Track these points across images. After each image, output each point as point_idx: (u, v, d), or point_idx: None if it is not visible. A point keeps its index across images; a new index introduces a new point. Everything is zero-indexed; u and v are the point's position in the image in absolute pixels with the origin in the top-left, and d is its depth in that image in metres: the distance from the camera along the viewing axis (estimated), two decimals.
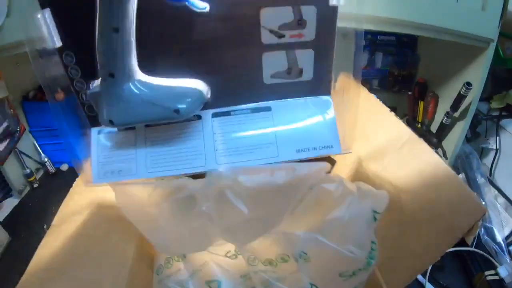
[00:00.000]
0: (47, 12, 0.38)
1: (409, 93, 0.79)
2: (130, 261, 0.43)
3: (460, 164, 0.69)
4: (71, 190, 0.47)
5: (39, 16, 0.38)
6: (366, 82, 0.79)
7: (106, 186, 0.43)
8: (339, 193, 0.36)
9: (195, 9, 0.37)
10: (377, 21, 0.53)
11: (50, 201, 0.68)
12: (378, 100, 0.51)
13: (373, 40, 0.78)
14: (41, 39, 0.39)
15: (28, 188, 0.76)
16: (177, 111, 0.39)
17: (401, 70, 0.81)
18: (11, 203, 0.72)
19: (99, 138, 0.44)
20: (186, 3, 0.37)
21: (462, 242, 0.58)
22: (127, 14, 0.36)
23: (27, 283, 0.39)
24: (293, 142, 0.43)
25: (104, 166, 0.44)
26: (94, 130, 0.45)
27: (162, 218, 0.39)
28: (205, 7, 0.37)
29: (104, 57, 0.38)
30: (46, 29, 0.38)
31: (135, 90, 0.39)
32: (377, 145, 0.46)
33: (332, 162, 0.52)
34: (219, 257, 0.47)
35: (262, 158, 0.43)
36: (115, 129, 0.44)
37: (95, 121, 0.43)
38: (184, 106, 0.40)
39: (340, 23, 0.40)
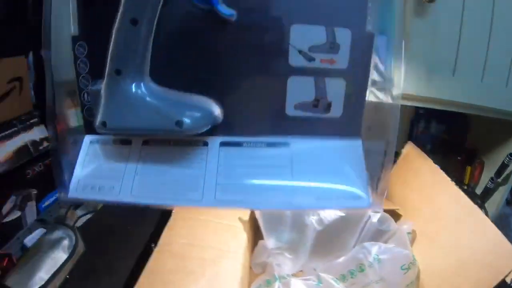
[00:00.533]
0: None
1: (458, 158, 0.91)
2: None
3: (500, 224, 0.73)
4: (174, 214, 0.67)
5: None
6: (420, 146, 0.86)
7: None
8: None
9: (222, 15, 0.34)
10: (429, 101, 0.68)
11: (125, 216, 0.80)
12: (439, 168, 0.68)
13: (428, 109, 0.85)
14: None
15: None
16: (179, 123, 0.34)
17: (452, 137, 0.94)
18: (86, 216, 0.88)
19: (90, 147, 0.39)
20: (215, 6, 0.34)
21: None
22: (149, 7, 0.34)
23: None
24: (313, 188, 0.35)
25: (85, 179, 0.38)
26: (87, 137, 0.40)
27: None
28: (232, 14, 0.34)
29: (115, 51, 0.35)
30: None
31: (139, 92, 0.35)
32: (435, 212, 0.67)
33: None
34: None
35: (272, 203, 0.36)
36: (110, 141, 0.39)
37: (91, 128, 0.38)
38: (188, 120, 0.34)
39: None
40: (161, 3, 0.34)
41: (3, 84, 0.88)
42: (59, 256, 0.80)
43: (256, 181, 0.36)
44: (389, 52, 0.64)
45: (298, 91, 0.36)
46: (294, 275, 0.69)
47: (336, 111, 0.36)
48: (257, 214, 0.68)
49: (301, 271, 0.72)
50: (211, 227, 0.67)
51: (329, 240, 0.69)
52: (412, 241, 0.71)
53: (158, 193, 0.36)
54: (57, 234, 0.85)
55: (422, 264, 0.68)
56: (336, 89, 0.35)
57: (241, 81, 0.36)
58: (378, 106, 0.37)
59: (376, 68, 0.66)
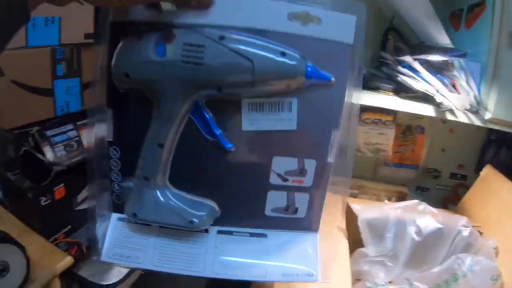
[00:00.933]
0: (110, 111, 0.48)
1: None
2: None
3: None
4: None
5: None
6: None
7: None
8: None
9: (223, 146, 0.47)
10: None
11: None
12: None
13: (499, 135, 1.07)
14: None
15: None
16: (191, 222, 0.48)
17: None
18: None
19: (117, 224, 0.52)
20: (219, 140, 0.47)
21: None
22: (173, 136, 0.47)
23: None
24: (280, 267, 0.50)
25: (114, 248, 0.50)
26: (114, 215, 0.52)
27: None
28: (231, 146, 0.47)
29: (144, 163, 0.48)
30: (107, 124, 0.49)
31: (162, 195, 0.48)
32: None
33: None
34: None
35: (252, 276, 0.50)
36: (128, 220, 0.52)
37: (117, 208, 0.52)
38: (197, 220, 0.48)
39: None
40: (179, 133, 0.47)
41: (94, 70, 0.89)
42: None
43: (242, 260, 0.50)
44: (482, 78, 0.87)
45: (274, 200, 0.50)
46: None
47: (301, 214, 0.51)
48: (360, 222, 0.74)
49: (391, 282, 0.77)
50: None
51: (424, 251, 0.75)
52: (495, 256, 0.78)
53: (172, 264, 0.50)
54: None
55: (506, 276, 0.73)
56: (301, 200, 0.50)
57: (235, 190, 0.50)
58: None
59: (470, 92, 0.85)
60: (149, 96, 0.46)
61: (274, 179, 0.49)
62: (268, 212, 0.51)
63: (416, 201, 0.81)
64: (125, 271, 0.75)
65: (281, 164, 0.48)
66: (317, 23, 0.43)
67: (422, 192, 1.18)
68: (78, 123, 0.83)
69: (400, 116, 1.06)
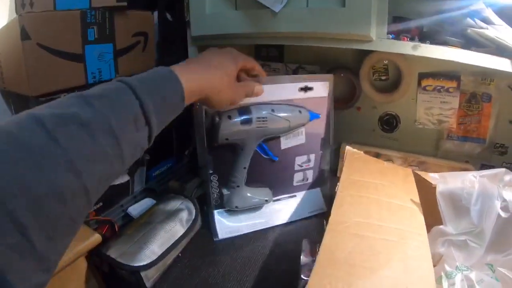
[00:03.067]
0: (210, 156, 0.87)
1: None
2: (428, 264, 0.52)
3: None
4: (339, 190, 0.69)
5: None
6: None
7: None
8: None
9: (273, 159, 0.92)
10: None
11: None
12: None
13: None
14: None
15: None
16: (266, 200, 0.93)
17: None
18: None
19: (218, 216, 0.93)
20: (271, 156, 0.92)
21: None
22: (249, 161, 0.89)
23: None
24: (306, 209, 0.99)
25: (222, 229, 0.91)
26: (215, 212, 0.93)
27: None
28: (277, 158, 0.93)
29: (235, 179, 0.89)
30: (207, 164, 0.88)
31: (248, 193, 0.92)
32: None
33: None
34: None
35: (294, 217, 0.97)
36: (224, 211, 0.94)
37: (217, 207, 0.92)
38: (268, 198, 0.94)
39: None
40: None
41: (128, 37, 0.83)
42: (176, 229, 0.79)
43: (288, 210, 0.98)
44: None
45: (297, 177, 0.99)
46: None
47: (310, 180, 1.01)
48: (440, 193, 0.65)
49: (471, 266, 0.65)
50: (384, 206, 0.66)
51: (510, 230, 0.62)
52: None
53: (256, 225, 0.95)
54: (174, 204, 0.86)
55: None
56: (309, 173, 0.99)
57: (279, 179, 0.96)
58: None
59: None
60: (237, 145, 0.86)
61: (296, 167, 0.97)
62: (295, 183, 1.00)
63: (502, 169, 0.71)
64: (158, 253, 0.72)
65: (299, 159, 0.96)
66: (311, 90, 0.90)
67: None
68: None
69: (465, 83, 0.99)
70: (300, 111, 0.88)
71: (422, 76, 1.03)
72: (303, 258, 0.80)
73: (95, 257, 0.72)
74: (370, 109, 1.13)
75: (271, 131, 0.87)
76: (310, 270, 0.64)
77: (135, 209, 0.87)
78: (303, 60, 1.11)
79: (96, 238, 0.68)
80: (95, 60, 0.78)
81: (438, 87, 1.02)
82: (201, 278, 0.77)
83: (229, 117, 0.82)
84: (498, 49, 0.78)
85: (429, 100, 1.04)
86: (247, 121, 0.83)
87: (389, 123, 1.12)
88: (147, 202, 0.90)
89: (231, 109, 0.83)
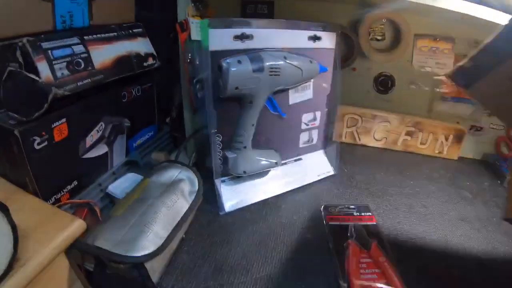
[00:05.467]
0: (215, 112, 0.73)
1: None
2: None
3: None
4: None
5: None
6: None
7: None
8: None
9: (281, 115, 0.82)
10: None
11: None
12: None
13: None
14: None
15: None
16: (276, 163, 0.83)
17: None
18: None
19: (222, 185, 0.80)
20: (280, 113, 0.82)
21: None
22: (258, 117, 0.77)
23: None
24: (314, 172, 0.91)
25: (229, 201, 0.79)
26: (217, 180, 0.79)
27: None
28: (285, 114, 0.83)
29: (243, 138, 0.77)
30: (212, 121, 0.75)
31: (256, 155, 0.81)
32: None
33: None
34: None
35: (302, 182, 0.88)
36: (229, 179, 0.82)
37: (219, 175, 0.80)
38: (277, 161, 0.83)
39: None
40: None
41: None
42: (179, 204, 0.65)
43: (296, 174, 0.89)
44: None
45: (303, 138, 0.90)
46: None
47: (315, 141, 0.92)
48: None
49: None
50: None
51: None
52: None
53: (265, 191, 0.83)
54: (171, 174, 0.71)
55: None
56: (315, 134, 0.91)
57: (286, 139, 0.87)
58: None
59: None
60: (245, 97, 0.74)
61: (303, 126, 0.88)
62: (301, 145, 0.91)
63: None
64: (163, 235, 0.58)
65: (306, 117, 0.88)
66: (319, 40, 0.82)
67: (476, 131, 1.10)
68: (86, 37, 0.65)
69: (459, 46, 1.00)
70: (311, 61, 0.79)
71: (418, 37, 1.03)
72: (327, 223, 0.76)
73: (74, 252, 0.54)
74: (365, 70, 1.10)
75: (284, 81, 0.77)
76: (339, 234, 0.71)
77: (116, 187, 0.74)
78: (296, 19, 1.04)
79: (79, 225, 0.53)
80: (65, 0, 0.64)
81: (434, 48, 1.02)
82: (217, 262, 0.66)
83: (239, 62, 0.71)
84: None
85: (424, 61, 1.04)
86: (259, 69, 0.72)
87: (384, 84, 1.10)
88: (130, 179, 0.77)
89: (236, 54, 0.72)
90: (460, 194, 0.94)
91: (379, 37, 1.05)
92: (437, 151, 1.10)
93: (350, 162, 1.02)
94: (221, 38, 0.70)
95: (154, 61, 0.81)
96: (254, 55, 0.73)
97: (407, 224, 0.80)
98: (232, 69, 0.69)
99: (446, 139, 1.08)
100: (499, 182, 1.01)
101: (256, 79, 0.72)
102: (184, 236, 0.67)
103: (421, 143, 1.10)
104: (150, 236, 0.56)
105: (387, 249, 0.70)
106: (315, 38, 0.81)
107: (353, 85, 1.09)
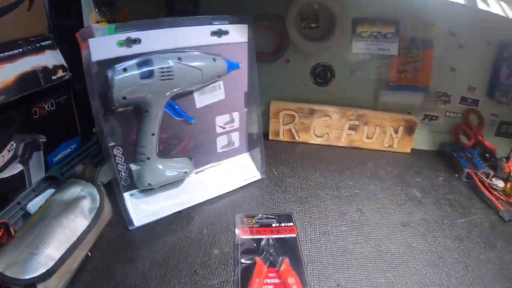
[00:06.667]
0: (108, 125, 0.68)
1: None
2: None
3: None
4: None
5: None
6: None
7: None
8: None
9: (188, 121, 0.76)
10: None
11: None
12: None
13: None
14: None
15: None
16: (185, 173, 0.77)
17: None
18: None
19: (130, 198, 0.76)
20: (185, 118, 0.75)
21: None
22: (158, 125, 0.72)
23: None
24: (236, 178, 0.85)
25: (138, 214, 0.74)
26: (126, 194, 0.75)
27: None
28: (192, 119, 0.77)
29: (144, 149, 0.72)
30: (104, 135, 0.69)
31: (162, 166, 0.75)
32: None
33: None
34: None
35: (223, 190, 0.82)
36: (138, 192, 0.77)
37: (127, 188, 0.75)
38: (188, 170, 0.78)
39: None
40: (160, 122, 0.73)
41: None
42: (77, 223, 0.64)
43: (215, 182, 0.83)
44: None
45: (221, 142, 0.84)
46: None
47: (236, 144, 0.86)
48: None
49: None
50: None
51: None
52: None
53: (178, 204, 0.77)
54: (73, 192, 0.69)
55: None
56: (235, 136, 0.85)
57: (198, 145, 0.81)
58: None
59: None
60: (139, 106, 0.69)
61: (218, 130, 0.82)
62: (219, 149, 0.85)
63: None
64: (55, 257, 0.57)
65: (220, 120, 0.81)
66: (226, 34, 0.74)
67: (430, 121, 1.04)
68: None
69: (404, 28, 0.93)
70: (214, 59, 0.73)
71: (356, 22, 0.96)
72: (239, 237, 0.70)
73: None
74: (301, 61, 1.01)
75: (179, 85, 0.70)
76: (247, 251, 0.66)
77: (35, 205, 0.72)
78: (222, 13, 0.97)
79: None
80: None
81: (375, 33, 0.95)
82: (116, 280, 0.62)
83: (125, 70, 0.65)
84: None
85: (365, 47, 0.96)
86: (148, 74, 0.66)
87: (323, 75, 1.02)
88: (48, 195, 0.73)
89: (126, 61, 0.66)
90: (407, 194, 0.86)
91: (313, 25, 0.97)
92: (386, 145, 1.03)
93: (284, 163, 0.95)
94: (104, 47, 0.64)
95: (65, 73, 0.77)
96: (143, 59, 0.67)
97: (334, 234, 0.73)
98: (117, 77, 0.64)
99: (396, 131, 1.01)
100: (456, 175, 0.94)
101: (146, 86, 0.66)
102: (89, 253, 0.65)
103: (368, 137, 1.03)
104: (41, 258, 0.56)
105: (302, 268, 0.64)
106: (221, 33, 0.74)
107: (288, 79, 1.03)
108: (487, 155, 0.96)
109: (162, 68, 0.67)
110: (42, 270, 0.55)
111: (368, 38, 0.95)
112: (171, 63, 0.68)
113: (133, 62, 0.66)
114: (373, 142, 1.02)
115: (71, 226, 0.62)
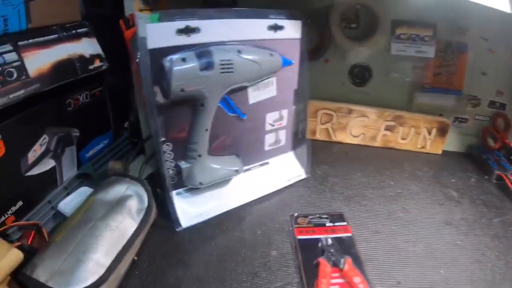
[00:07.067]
0: (161, 118, 0.64)
1: None
2: None
3: None
4: None
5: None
6: None
7: None
8: None
9: (240, 117, 0.73)
10: None
11: None
12: None
13: None
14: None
15: None
16: (236, 171, 0.74)
17: None
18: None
19: (178, 198, 0.72)
20: (238, 114, 0.72)
21: None
22: (212, 121, 0.68)
23: None
24: (283, 177, 0.82)
25: (186, 214, 0.70)
26: (173, 193, 0.71)
27: None
28: (245, 116, 0.74)
29: (196, 145, 0.68)
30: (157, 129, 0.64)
31: (213, 164, 0.71)
32: None
33: None
34: None
35: (270, 189, 0.80)
36: (185, 191, 0.73)
37: (174, 187, 0.71)
38: (239, 168, 0.74)
39: None
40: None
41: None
42: (125, 225, 0.58)
43: (262, 182, 0.80)
44: None
45: (269, 139, 0.81)
46: None
47: (283, 143, 0.83)
48: None
49: None
50: None
51: None
52: None
53: (227, 202, 0.74)
54: (118, 191, 0.63)
55: None
56: (283, 135, 0.82)
57: (248, 142, 0.77)
58: None
59: None
60: (195, 100, 0.65)
61: (267, 127, 0.79)
62: (266, 148, 0.82)
63: None
64: (105, 264, 0.51)
65: (270, 117, 0.78)
66: (282, 29, 0.72)
67: (460, 123, 1.05)
68: (20, 43, 0.58)
69: (441, 31, 0.94)
70: (271, 54, 0.70)
71: (396, 24, 0.94)
72: (295, 237, 0.68)
73: (17, 282, 0.49)
74: (339, 61, 1.00)
75: (238, 79, 0.67)
76: (307, 251, 0.64)
77: (67, 204, 0.67)
78: (262, 7, 0.94)
79: (15, 256, 0.48)
80: None
81: (413, 36, 0.94)
82: (169, 286, 0.58)
83: (184, 60, 0.61)
84: None
85: (403, 49, 0.96)
86: (208, 66, 0.62)
87: (360, 75, 1.02)
88: (83, 193, 0.69)
89: (183, 51, 0.62)
90: (445, 194, 0.86)
91: (353, 25, 0.96)
92: (419, 146, 1.02)
93: (325, 162, 0.93)
94: (161, 34, 0.61)
95: (102, 63, 0.73)
96: (202, 50, 0.63)
97: (386, 233, 0.72)
98: (175, 68, 0.60)
99: (429, 132, 1.00)
100: (486, 177, 0.94)
101: (205, 78, 0.63)
102: (135, 258, 0.60)
103: (402, 138, 1.01)
104: (90, 265, 0.50)
105: (363, 267, 0.62)
106: (276, 28, 0.71)
107: (326, 78, 1.01)
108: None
109: (222, 60, 0.63)
110: (92, 279, 0.49)
111: (407, 40, 0.95)
112: (232, 56, 0.64)
113: (191, 52, 0.62)
114: (407, 143, 1.01)
115: (120, 229, 0.57)
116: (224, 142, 0.74)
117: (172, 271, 0.61)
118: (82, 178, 0.74)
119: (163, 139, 0.66)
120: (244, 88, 0.71)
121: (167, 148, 0.68)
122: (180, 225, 0.69)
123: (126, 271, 0.57)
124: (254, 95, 0.73)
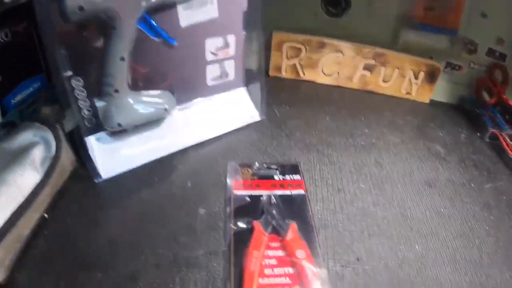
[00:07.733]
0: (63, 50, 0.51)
1: None
2: None
3: None
4: None
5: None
6: None
7: None
8: None
9: (169, 43, 0.58)
10: None
11: None
12: None
13: None
14: None
15: None
16: (165, 110, 0.60)
17: None
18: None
19: (97, 143, 0.59)
20: (166, 39, 0.58)
21: None
22: (129, 48, 0.54)
23: None
24: (230, 119, 0.70)
25: (107, 164, 0.59)
26: (91, 138, 0.59)
27: None
28: (174, 41, 0.59)
29: (111, 79, 0.54)
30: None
31: (134, 101, 0.58)
32: None
33: None
34: None
35: (215, 133, 0.68)
36: (106, 134, 0.60)
37: (91, 131, 0.59)
38: (169, 106, 0.61)
39: None
40: (132, 44, 0.55)
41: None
42: (26, 178, 0.50)
43: (204, 122, 0.68)
44: None
45: (212, 72, 0.66)
46: None
47: (231, 77, 0.69)
48: None
49: None
50: None
51: None
52: None
53: (157, 150, 0.62)
54: (23, 138, 0.55)
55: None
56: (229, 66, 0.68)
57: (182, 75, 0.64)
58: None
59: None
60: (104, 22, 0.50)
61: (209, 56, 0.65)
62: (209, 82, 0.68)
63: None
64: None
65: (212, 44, 0.64)
66: None
67: (452, 70, 0.90)
68: None
69: None
70: None
71: None
72: (231, 193, 0.56)
73: None
74: None
75: None
76: (243, 211, 0.53)
77: None
78: None
79: None
80: None
81: None
82: (77, 250, 0.49)
83: None
84: None
85: None
86: None
87: (336, 4, 0.86)
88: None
89: None
90: (430, 149, 0.74)
91: None
92: (404, 92, 0.88)
93: (288, 103, 0.79)
94: None
95: None
96: None
97: (351, 193, 0.60)
98: None
99: (416, 76, 0.86)
100: (478, 134, 0.81)
101: None
102: (46, 215, 0.52)
103: (384, 81, 0.87)
104: None
105: (313, 236, 0.51)
106: None
107: (295, 5, 0.85)
108: (507, 116, 0.83)
109: None
110: None
111: None
112: None
113: None
114: (389, 86, 0.87)
115: (17, 183, 0.48)
116: (151, 74, 0.60)
117: (83, 232, 0.51)
118: (8, 128, 0.63)
119: (70, 73, 0.52)
120: (172, 5, 0.56)
121: (77, 83, 0.54)
122: (99, 176, 0.58)
123: (32, 231, 0.49)
124: (187, 15, 0.58)
